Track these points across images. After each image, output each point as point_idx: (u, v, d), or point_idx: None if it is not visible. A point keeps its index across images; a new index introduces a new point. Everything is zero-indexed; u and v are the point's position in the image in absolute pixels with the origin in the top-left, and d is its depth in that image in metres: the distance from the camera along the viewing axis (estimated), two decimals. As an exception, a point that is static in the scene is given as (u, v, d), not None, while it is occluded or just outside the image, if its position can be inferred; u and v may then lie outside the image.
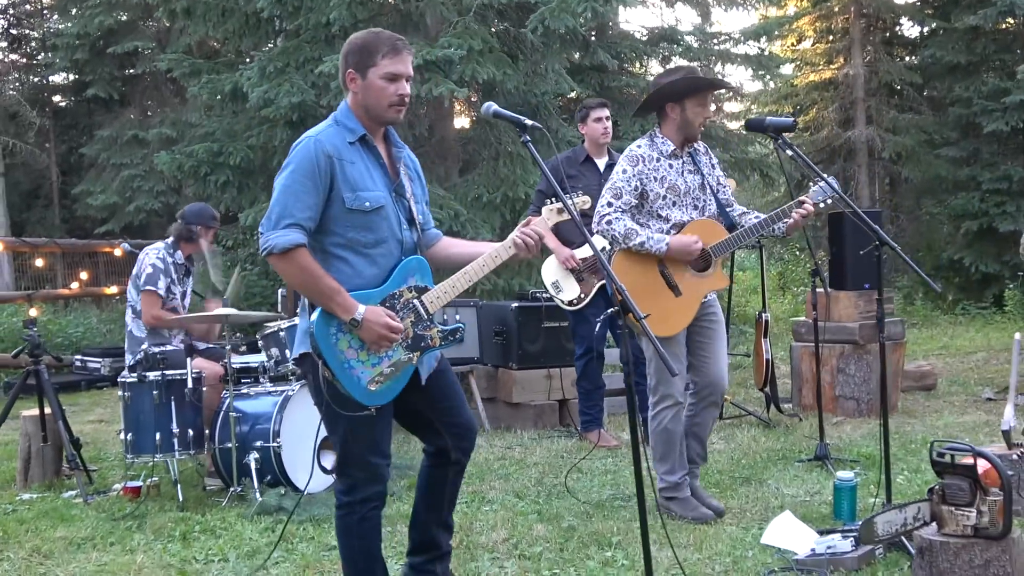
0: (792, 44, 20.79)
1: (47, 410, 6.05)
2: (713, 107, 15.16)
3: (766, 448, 6.73)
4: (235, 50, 12.03)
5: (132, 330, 6.14)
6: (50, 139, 20.57)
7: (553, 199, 3.81)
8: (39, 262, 12.08)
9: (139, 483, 5.80)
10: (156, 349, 5.94)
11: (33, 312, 10.47)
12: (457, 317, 7.62)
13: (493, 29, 9.01)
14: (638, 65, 14.75)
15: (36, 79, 21.11)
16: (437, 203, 8.31)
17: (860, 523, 3.46)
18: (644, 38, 14.54)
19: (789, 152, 4.84)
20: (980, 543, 3.49)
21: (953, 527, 3.53)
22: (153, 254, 6.12)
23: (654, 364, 5.03)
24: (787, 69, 21.15)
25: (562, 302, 6.94)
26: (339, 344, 3.36)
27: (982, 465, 3.51)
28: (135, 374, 5.59)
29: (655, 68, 15.58)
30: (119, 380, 5.77)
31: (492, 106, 3.58)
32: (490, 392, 7.97)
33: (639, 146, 5.00)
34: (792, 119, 5.14)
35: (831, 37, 19.66)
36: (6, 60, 20.83)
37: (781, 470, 6.04)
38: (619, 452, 6.69)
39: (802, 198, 5.04)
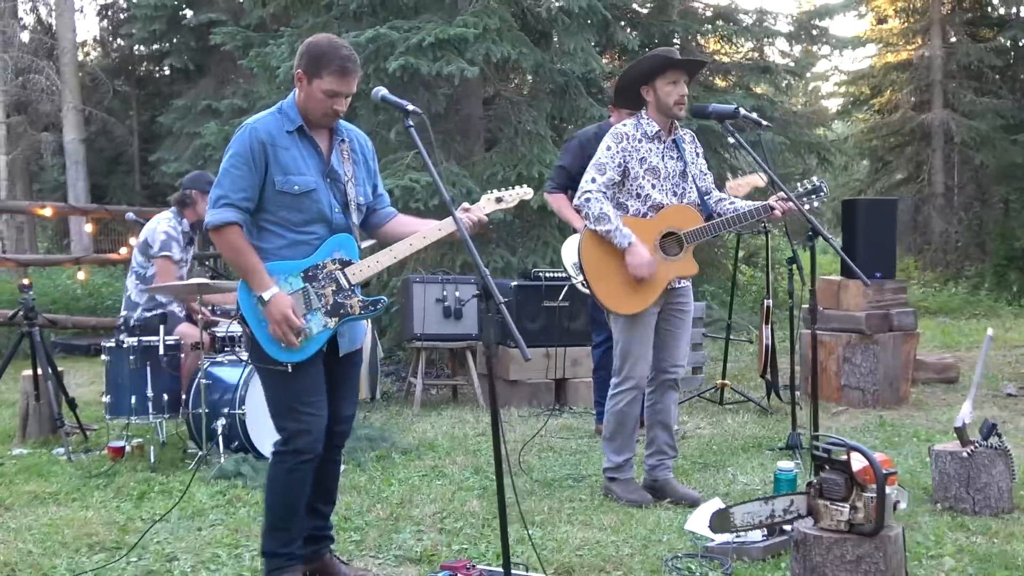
0: (872, 24, 20.29)
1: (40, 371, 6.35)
2: (769, 88, 14.92)
3: (748, 435, 6.70)
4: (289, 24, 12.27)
5: (131, 295, 6.39)
6: (133, 107, 21.22)
7: (492, 190, 4.07)
8: (88, 227, 12.54)
9: (122, 443, 6.06)
10: (148, 314, 6.19)
11: (81, 275, 10.98)
12: (457, 294, 7.75)
13: (513, 9, 9.00)
14: (695, 43, 14.59)
15: (123, 48, 21.75)
16: (451, 180, 8.41)
17: (714, 512, 3.46)
18: (708, 15, 14.40)
19: (732, 139, 4.81)
20: (853, 539, 3.46)
21: (828, 522, 3.51)
22: (164, 222, 6.35)
23: (620, 346, 5.06)
24: (871, 49, 20.69)
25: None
26: (259, 306, 3.67)
27: (859, 461, 3.48)
28: (113, 340, 5.85)
29: (713, 47, 15.42)
30: (102, 345, 6.03)
31: (381, 91, 3.71)
32: (487, 369, 8.04)
33: (625, 125, 5.03)
34: (735, 107, 5.05)
35: (910, 17, 19.09)
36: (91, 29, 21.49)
37: (748, 458, 6.02)
38: (594, 435, 6.72)
39: (782, 194, 5.00)
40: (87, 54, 21.18)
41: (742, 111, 6.11)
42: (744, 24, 14.25)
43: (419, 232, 3.89)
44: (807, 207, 4.98)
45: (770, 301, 7.75)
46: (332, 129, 3.85)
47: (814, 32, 16.40)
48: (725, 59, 15.65)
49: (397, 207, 8.03)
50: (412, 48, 8.11)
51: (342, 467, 5.55)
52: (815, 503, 3.55)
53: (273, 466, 3.77)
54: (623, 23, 13.99)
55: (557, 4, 8.33)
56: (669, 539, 4.38)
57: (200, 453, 5.73)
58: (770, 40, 15.75)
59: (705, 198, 5.15)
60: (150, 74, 21.85)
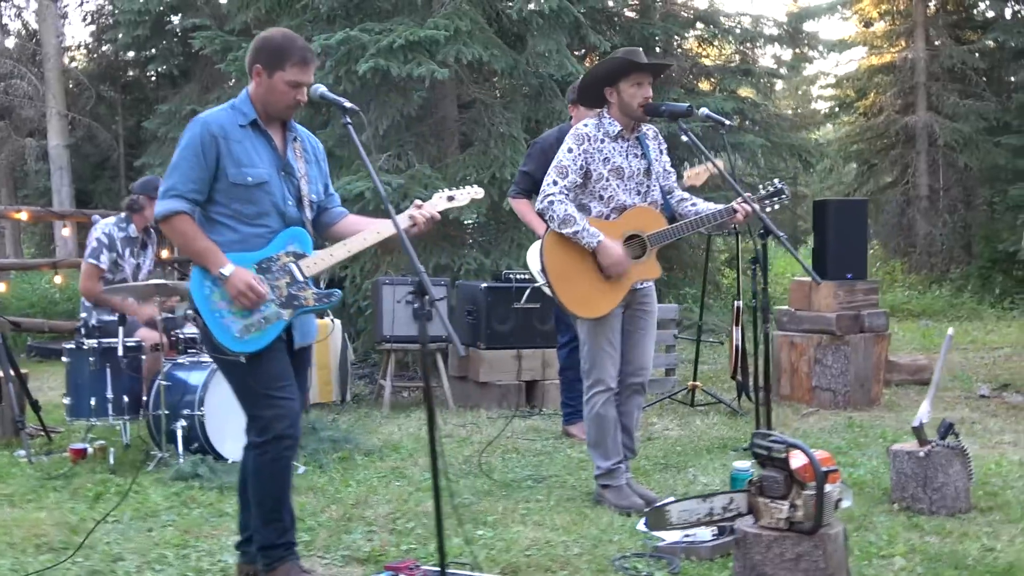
0: (858, 26, 20.31)
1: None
2: (752, 91, 14.93)
3: (715, 436, 6.69)
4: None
5: (84, 299, 6.38)
6: (118, 112, 21.19)
7: (444, 188, 4.15)
8: (65, 231, 12.52)
9: (84, 445, 6.04)
10: (108, 317, 6.17)
11: (58, 279, 10.94)
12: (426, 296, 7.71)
13: (487, 12, 9.01)
14: (678, 47, 14.62)
15: (107, 53, 21.73)
16: (423, 183, 8.39)
17: (647, 509, 3.45)
18: (690, 17, 14.42)
19: (685, 138, 4.80)
20: (792, 537, 3.45)
21: (768, 519, 3.50)
22: (100, 228, 6.34)
23: (587, 348, 5.03)
24: (857, 52, 20.73)
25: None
26: (212, 296, 3.69)
27: (798, 459, 3.47)
28: (73, 342, 5.83)
29: (695, 50, 15.44)
30: (63, 347, 6.01)
31: (319, 88, 3.72)
32: (461, 371, 8.05)
33: (586, 125, 4.99)
34: (687, 105, 5.04)
35: (894, 20, 19.13)
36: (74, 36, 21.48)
37: (712, 459, 6.00)
38: (561, 436, 6.71)
39: (748, 195, 4.99)
40: (72, 59, 21.14)
41: (705, 111, 6.16)
42: (726, 27, 14.25)
43: (373, 227, 3.92)
44: (768, 209, 4.98)
45: (740, 302, 7.73)
46: (285, 126, 3.87)
47: (798, 35, 16.45)
48: (707, 62, 15.68)
49: (368, 209, 8.11)
50: (383, 50, 8.10)
51: (302, 469, 5.60)
52: (755, 501, 3.54)
53: (255, 459, 3.73)
54: (603, 25, 14.04)
55: (529, 6, 8.32)
56: (620, 539, 4.37)
57: (159, 455, 5.71)
58: (754, 44, 15.79)
59: (667, 197, 5.14)
60: (136, 80, 21.82)
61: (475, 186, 4.15)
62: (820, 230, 8.03)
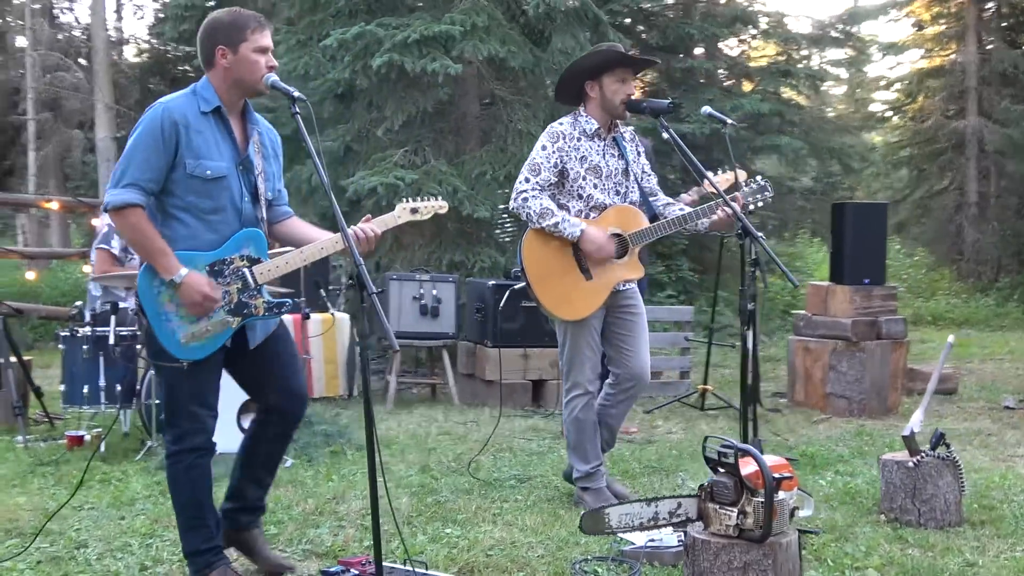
0: (912, 29, 19.92)
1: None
2: (793, 92, 14.68)
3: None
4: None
5: (90, 288, 6.43)
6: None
7: (408, 199, 4.02)
8: (95, 221, 12.66)
9: (82, 432, 6.09)
10: (105, 306, 6.21)
11: (87, 268, 11.07)
12: (434, 292, 7.69)
13: (512, 10, 8.95)
14: (715, 45, 14.44)
15: (156, 47, 22.05)
16: (437, 179, 8.36)
17: (584, 512, 3.36)
18: (729, 17, 14.24)
19: (665, 135, 4.70)
20: (741, 545, 3.35)
21: (717, 526, 3.40)
22: None
23: (566, 351, 4.94)
24: (910, 55, 20.34)
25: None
26: (160, 297, 3.55)
27: (748, 466, 3.36)
28: (68, 329, 5.88)
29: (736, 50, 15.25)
30: (58, 334, 6.07)
31: (271, 77, 3.64)
32: (469, 368, 8.01)
33: (561, 123, 4.90)
34: (669, 102, 4.91)
35: (945, 22, 18.71)
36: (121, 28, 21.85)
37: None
38: (558, 436, 6.63)
39: (735, 194, 4.87)
40: (121, 53, 21.47)
41: (707, 109, 6.03)
42: (765, 27, 14.06)
43: (330, 237, 3.77)
44: (752, 207, 4.86)
45: (752, 305, 7.56)
46: (246, 118, 3.77)
47: (847, 38, 16.18)
48: (752, 64, 15.48)
49: (381, 204, 8.10)
50: (397, 45, 8.08)
51: (290, 462, 5.59)
52: (705, 507, 3.44)
53: (171, 467, 3.68)
54: (640, 25, 13.94)
55: (546, 2, 8.24)
56: (587, 542, 4.28)
57: (149, 444, 5.73)
58: (799, 45, 15.55)
59: (651, 199, 5.03)
60: (184, 73, 22.13)
61: (439, 198, 4.04)
62: (838, 233, 7.86)
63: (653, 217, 4.98)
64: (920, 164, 19.47)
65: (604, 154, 4.85)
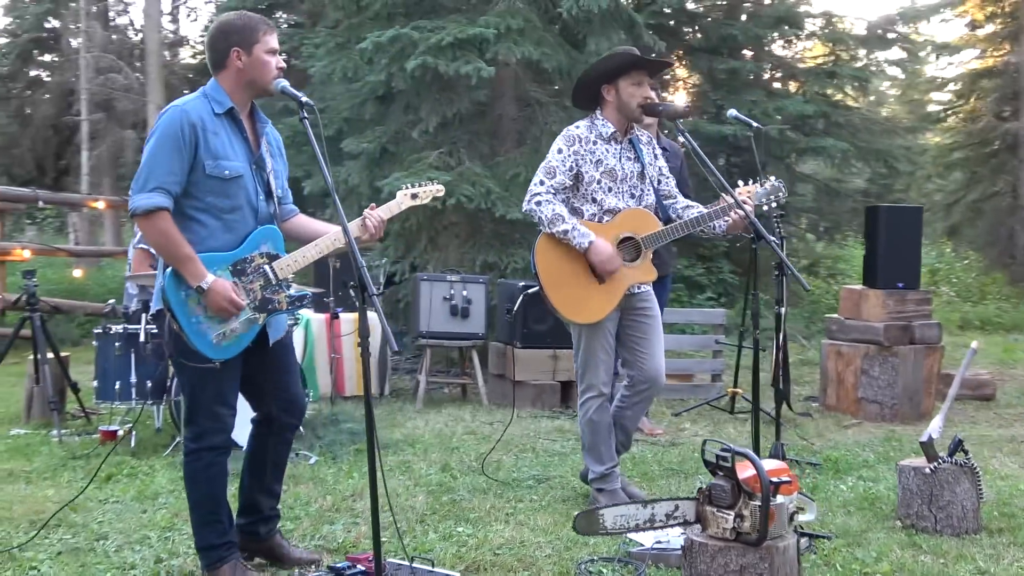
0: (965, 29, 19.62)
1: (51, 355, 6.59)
2: (839, 93, 14.53)
3: (742, 445, 6.52)
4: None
5: (128, 287, 6.59)
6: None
7: (408, 185, 4.15)
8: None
9: (115, 427, 6.25)
10: (139, 304, 6.38)
11: (77, 273, 11.30)
12: (464, 293, 7.75)
13: (548, 10, 8.99)
14: (762, 45, 14.35)
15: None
16: (470, 180, 8.42)
17: (578, 513, 3.39)
18: (774, 17, 14.14)
19: (681, 139, 4.71)
20: (737, 548, 3.36)
21: (714, 529, 3.42)
22: None
23: (580, 353, 4.97)
24: (963, 55, 20.02)
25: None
26: (189, 301, 3.63)
27: (746, 469, 3.38)
28: (101, 327, 6.04)
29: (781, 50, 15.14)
30: (93, 331, 6.24)
31: (281, 82, 3.72)
32: (500, 368, 8.07)
33: (577, 127, 4.93)
34: (685, 105, 4.92)
35: (1000, 22, 18.39)
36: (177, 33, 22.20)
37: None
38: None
39: (744, 198, 4.86)
40: (176, 55, 21.84)
41: (732, 112, 6.05)
42: (810, 28, 13.95)
43: (338, 230, 3.84)
44: (765, 207, 4.85)
45: (783, 308, 7.52)
46: (254, 118, 3.87)
47: (893, 38, 15.99)
48: (800, 64, 15.35)
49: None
50: (431, 48, 8.16)
51: (313, 459, 5.69)
52: (703, 510, 3.46)
53: (189, 464, 3.78)
54: (685, 27, 13.90)
55: (580, 5, 8.26)
56: (596, 543, 4.30)
57: (178, 439, 5.86)
58: (847, 46, 15.37)
59: (666, 202, 5.03)
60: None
61: (436, 182, 4.13)
62: (871, 236, 7.78)
63: (668, 220, 4.99)
64: (973, 166, 19.15)
65: (620, 157, 4.87)
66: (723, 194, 4.75)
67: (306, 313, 7.25)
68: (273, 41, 3.75)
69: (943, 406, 5.09)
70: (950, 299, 17.05)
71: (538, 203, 4.75)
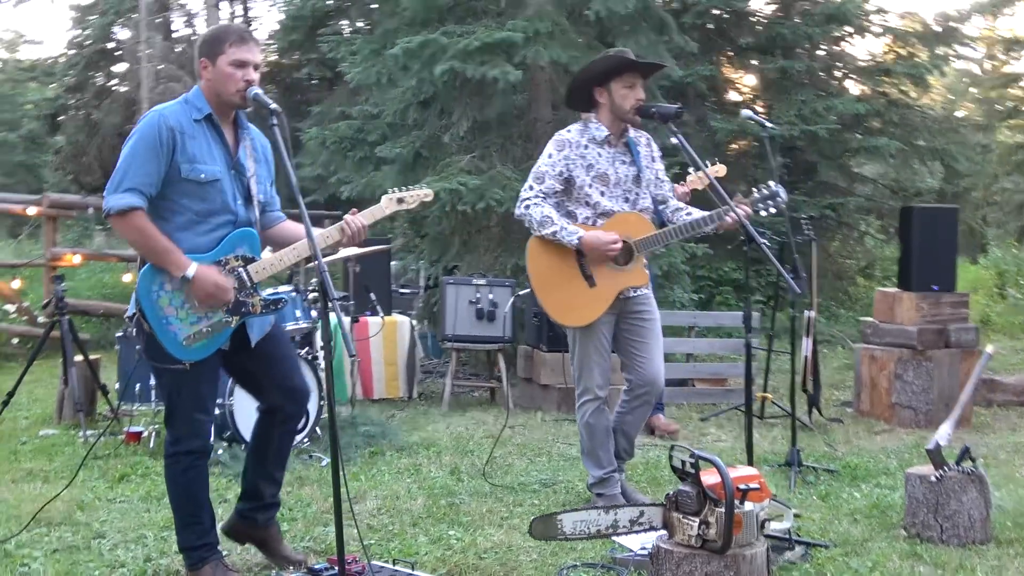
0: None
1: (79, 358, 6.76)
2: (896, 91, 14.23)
3: (762, 450, 6.44)
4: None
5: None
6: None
7: (395, 190, 4.14)
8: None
9: (141, 429, 6.38)
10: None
11: (127, 277, 11.48)
12: (490, 296, 7.76)
13: (581, 14, 8.95)
14: (808, 46, 14.10)
15: (270, 58, 22.76)
16: (501, 184, 8.42)
17: (535, 517, 3.36)
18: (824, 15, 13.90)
19: (674, 140, 4.65)
20: (702, 555, 3.31)
21: (680, 536, 3.37)
22: None
23: (575, 356, 4.96)
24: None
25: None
26: (160, 301, 3.68)
27: (711, 476, 3.33)
28: (123, 330, 6.17)
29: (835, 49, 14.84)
30: (115, 335, 6.38)
31: (254, 89, 3.76)
32: (527, 372, 8.06)
33: (568, 131, 4.94)
34: (677, 106, 4.83)
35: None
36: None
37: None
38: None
39: (741, 200, 4.81)
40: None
41: (746, 112, 5.97)
42: (863, 25, 13.68)
43: (320, 232, 3.86)
44: (764, 213, 4.77)
45: (813, 313, 7.40)
46: (237, 124, 3.91)
47: (950, 34, 15.61)
48: (850, 63, 15.05)
49: (444, 209, 8.20)
50: (459, 53, 8.18)
51: (325, 461, 5.74)
52: (670, 516, 3.42)
53: (169, 467, 3.85)
54: (735, 28, 13.72)
55: (608, 7, 8.21)
56: (584, 548, 4.27)
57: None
58: (905, 42, 15.04)
59: (660, 207, 5.00)
60: (296, 81, 22.78)
61: (423, 187, 4.14)
62: (906, 238, 7.60)
63: (662, 224, 4.95)
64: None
65: (613, 161, 4.84)
66: (715, 197, 4.70)
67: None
68: (240, 53, 3.73)
69: (952, 413, 4.95)
70: (1016, 301, 16.55)
71: (527, 207, 4.77)
